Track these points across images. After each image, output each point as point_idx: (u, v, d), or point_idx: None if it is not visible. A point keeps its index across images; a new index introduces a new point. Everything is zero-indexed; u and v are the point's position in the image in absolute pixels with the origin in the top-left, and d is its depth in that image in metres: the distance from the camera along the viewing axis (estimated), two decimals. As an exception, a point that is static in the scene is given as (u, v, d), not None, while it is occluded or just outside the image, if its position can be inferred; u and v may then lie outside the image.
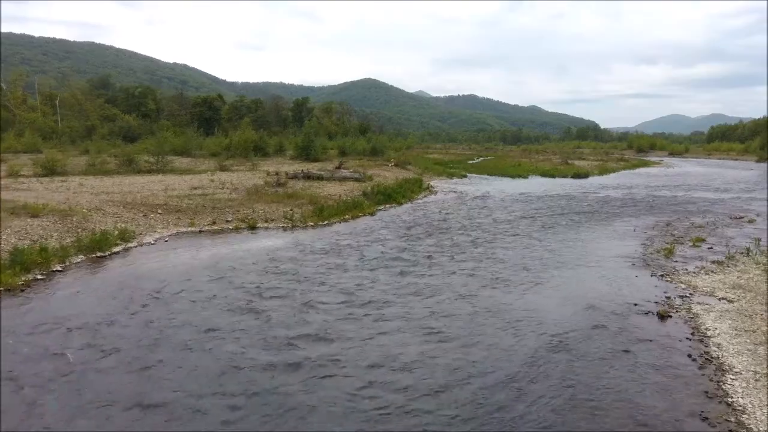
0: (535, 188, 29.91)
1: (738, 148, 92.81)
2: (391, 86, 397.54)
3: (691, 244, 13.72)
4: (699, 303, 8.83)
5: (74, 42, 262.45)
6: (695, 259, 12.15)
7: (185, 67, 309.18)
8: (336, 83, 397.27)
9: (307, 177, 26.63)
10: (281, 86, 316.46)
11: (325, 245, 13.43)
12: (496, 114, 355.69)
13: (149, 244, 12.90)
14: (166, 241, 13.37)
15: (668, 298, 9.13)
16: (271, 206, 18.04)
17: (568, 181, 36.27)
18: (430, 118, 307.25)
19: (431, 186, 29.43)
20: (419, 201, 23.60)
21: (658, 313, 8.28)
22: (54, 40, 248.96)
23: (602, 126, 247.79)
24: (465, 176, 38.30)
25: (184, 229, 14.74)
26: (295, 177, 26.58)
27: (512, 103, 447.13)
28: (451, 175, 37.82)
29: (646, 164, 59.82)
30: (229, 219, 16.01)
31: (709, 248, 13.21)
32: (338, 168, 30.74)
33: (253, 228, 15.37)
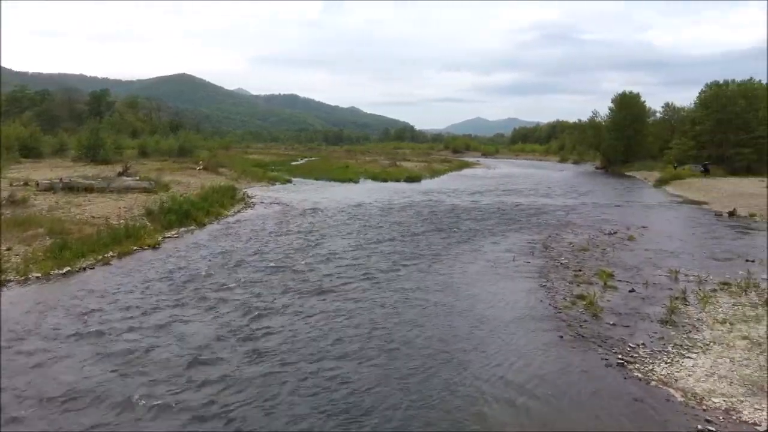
0: (370, 196, 25.59)
1: (540, 149, 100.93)
2: (209, 83, 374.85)
3: (601, 283, 10.06)
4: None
5: None
6: (631, 315, 8.34)
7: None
8: (147, 78, 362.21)
9: (70, 188, 19.06)
10: (81, 79, 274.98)
11: None
12: (317, 114, 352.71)
13: None
14: None
15: (686, 440, 4.85)
16: (-30, 245, 10.90)
17: (403, 186, 32.84)
18: (250, 117, 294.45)
19: (248, 196, 23.57)
20: (230, 219, 17.76)
21: None
22: None
23: (417, 128, 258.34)
24: (289, 181, 32.96)
25: None
26: (51, 188, 18.87)
27: (333, 104, 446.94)
28: (272, 180, 32.15)
29: (468, 165, 60.06)
30: None
31: (630, 291, 9.59)
32: (121, 174, 23.28)
33: None
